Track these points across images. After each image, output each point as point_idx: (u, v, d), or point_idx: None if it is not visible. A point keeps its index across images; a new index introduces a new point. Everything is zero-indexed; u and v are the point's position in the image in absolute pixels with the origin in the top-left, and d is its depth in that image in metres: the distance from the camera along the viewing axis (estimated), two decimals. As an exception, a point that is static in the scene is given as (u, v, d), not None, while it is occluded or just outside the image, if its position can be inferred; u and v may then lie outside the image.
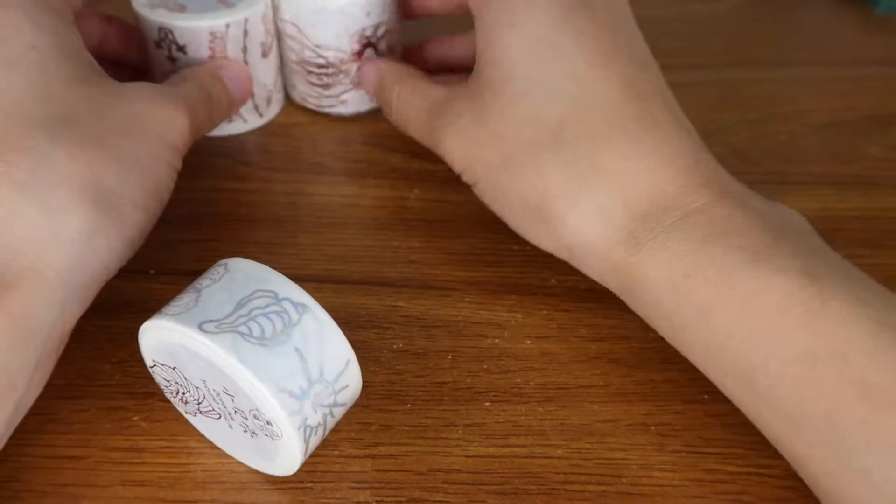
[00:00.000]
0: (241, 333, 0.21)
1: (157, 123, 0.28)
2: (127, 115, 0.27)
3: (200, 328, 0.21)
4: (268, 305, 0.22)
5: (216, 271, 0.24)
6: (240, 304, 0.22)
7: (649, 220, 0.25)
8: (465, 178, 0.30)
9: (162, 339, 0.23)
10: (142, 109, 0.28)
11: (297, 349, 0.22)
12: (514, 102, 0.28)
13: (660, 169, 0.26)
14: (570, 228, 0.27)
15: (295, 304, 0.22)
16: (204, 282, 0.23)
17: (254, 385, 0.21)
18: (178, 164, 0.29)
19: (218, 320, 0.22)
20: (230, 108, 0.35)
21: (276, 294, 0.22)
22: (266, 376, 0.21)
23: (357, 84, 0.38)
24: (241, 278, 0.23)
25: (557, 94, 0.27)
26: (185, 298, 0.23)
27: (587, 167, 0.26)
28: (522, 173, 0.27)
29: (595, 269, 0.27)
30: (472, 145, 0.29)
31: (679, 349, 0.26)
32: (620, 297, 0.27)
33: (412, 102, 0.32)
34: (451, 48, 0.39)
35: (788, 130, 0.39)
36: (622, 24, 0.29)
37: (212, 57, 0.35)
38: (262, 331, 0.22)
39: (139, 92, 0.29)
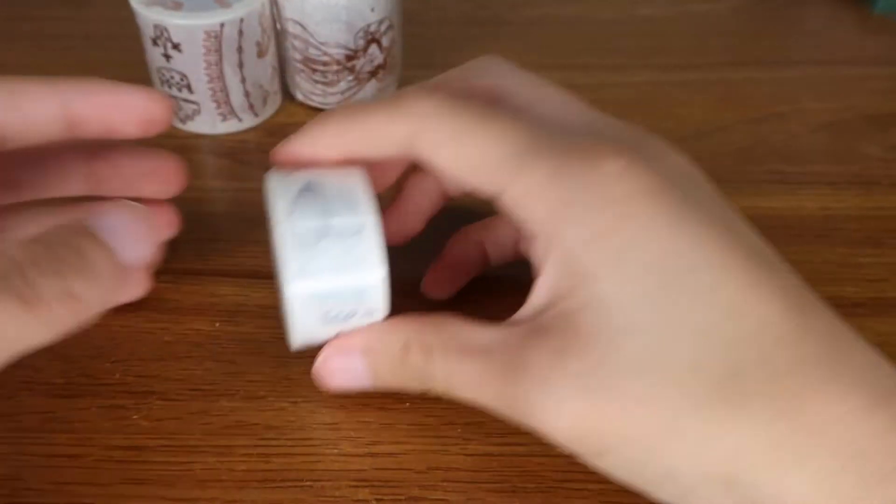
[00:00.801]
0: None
1: None
2: None
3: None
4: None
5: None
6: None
7: (875, 474, 0.20)
8: (578, 449, 0.22)
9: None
10: None
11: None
12: (658, 354, 0.21)
13: (877, 407, 0.20)
14: (785, 500, 0.20)
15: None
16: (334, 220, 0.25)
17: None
18: None
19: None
20: (116, 275, 0.22)
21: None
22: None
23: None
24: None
25: (720, 336, 0.21)
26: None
27: (790, 420, 0.20)
28: (695, 440, 0.20)
29: None
30: (593, 412, 0.21)
31: None
32: None
33: (457, 367, 0.23)
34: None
35: (788, 130, 0.39)
36: (725, 207, 0.23)
37: (206, 56, 0.35)
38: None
39: None
